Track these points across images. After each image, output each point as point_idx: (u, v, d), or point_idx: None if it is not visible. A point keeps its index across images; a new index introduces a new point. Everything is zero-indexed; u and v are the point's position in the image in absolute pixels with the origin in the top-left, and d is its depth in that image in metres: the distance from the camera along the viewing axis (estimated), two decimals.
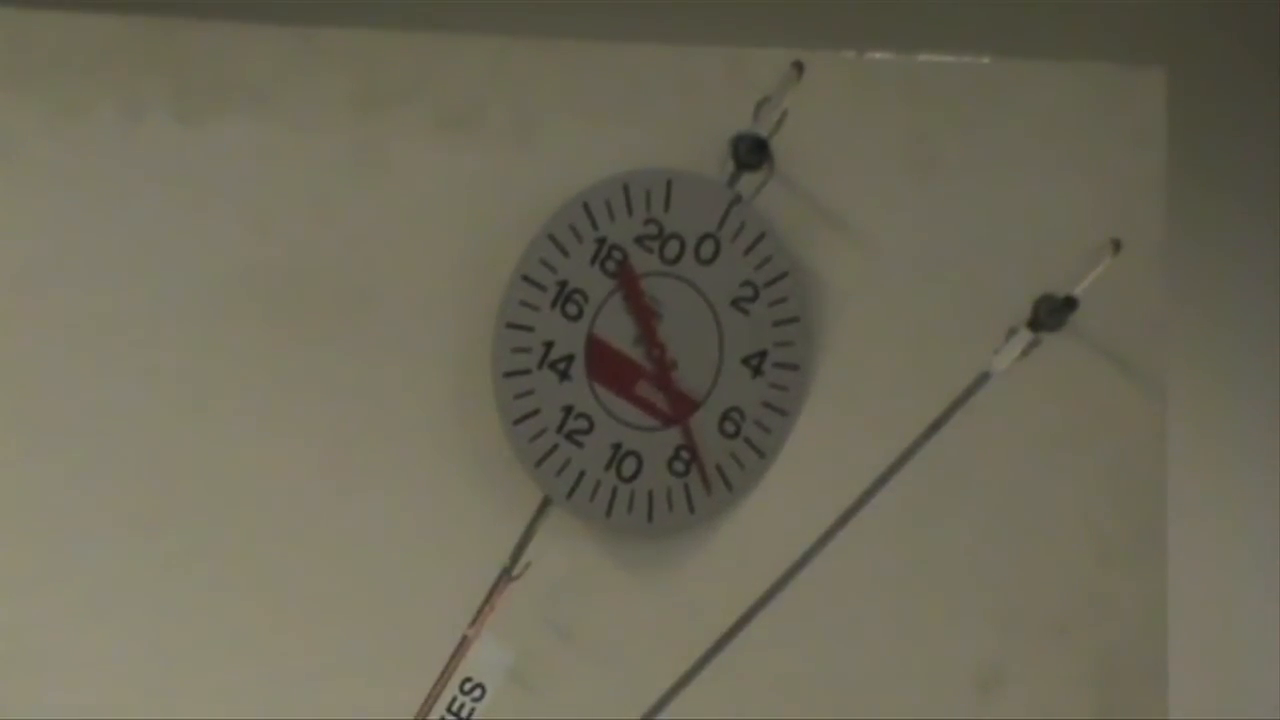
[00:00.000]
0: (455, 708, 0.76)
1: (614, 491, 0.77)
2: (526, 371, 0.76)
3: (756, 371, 0.77)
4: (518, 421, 0.76)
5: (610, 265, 0.76)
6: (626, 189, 0.76)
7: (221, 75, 0.77)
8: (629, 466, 0.76)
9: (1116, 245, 0.78)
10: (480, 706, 0.76)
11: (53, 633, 0.75)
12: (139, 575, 0.76)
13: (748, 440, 0.78)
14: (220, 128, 0.77)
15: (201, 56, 0.76)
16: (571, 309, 0.76)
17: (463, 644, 0.75)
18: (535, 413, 0.76)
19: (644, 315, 0.77)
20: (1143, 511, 0.83)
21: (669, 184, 0.77)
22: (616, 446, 0.76)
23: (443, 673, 0.76)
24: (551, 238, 0.76)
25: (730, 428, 0.77)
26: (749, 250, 0.77)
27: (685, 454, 0.77)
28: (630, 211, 0.76)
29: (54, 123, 0.76)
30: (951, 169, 0.81)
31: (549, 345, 0.76)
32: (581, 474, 0.76)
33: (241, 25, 0.76)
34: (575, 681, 0.78)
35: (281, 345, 0.77)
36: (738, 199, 0.77)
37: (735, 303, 0.77)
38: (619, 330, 0.77)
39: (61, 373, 0.76)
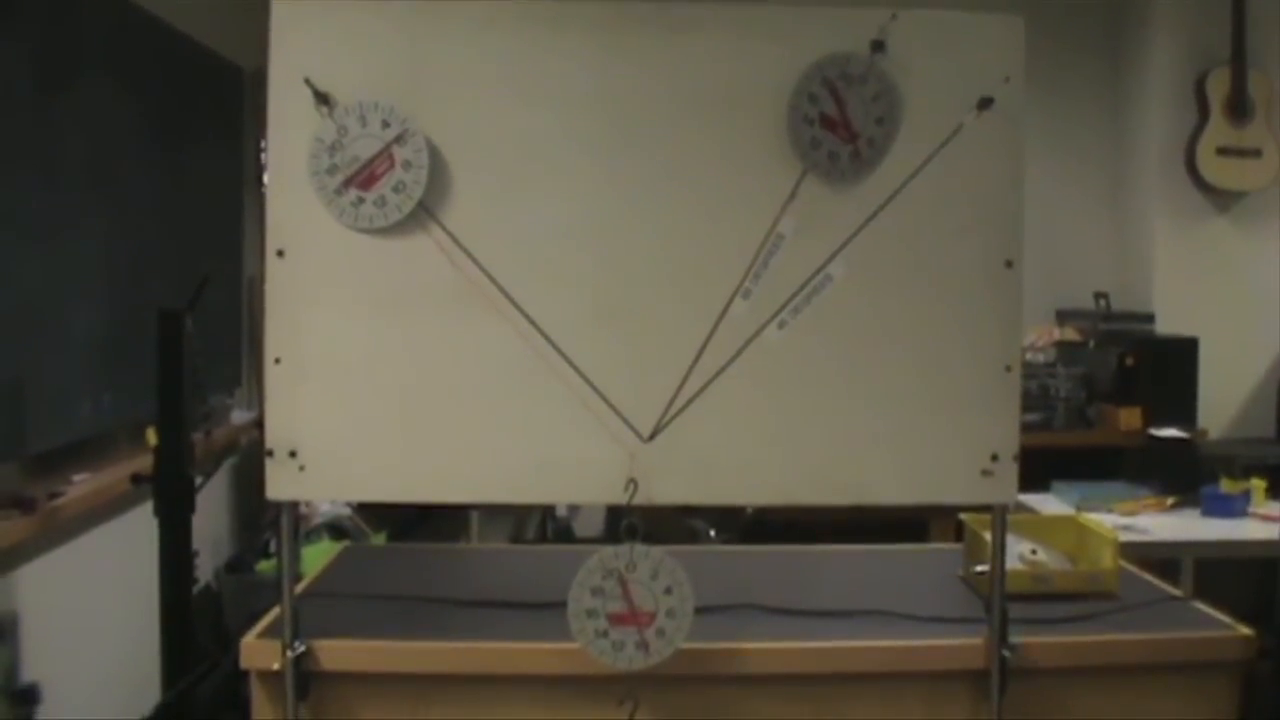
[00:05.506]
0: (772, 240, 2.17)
1: (830, 159, 2.17)
2: (798, 125, 2.15)
3: (880, 122, 2.17)
4: (795, 144, 2.16)
5: (827, 83, 2.16)
6: (833, 60, 2.15)
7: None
8: (835, 155, 2.16)
9: (1007, 78, 2.17)
10: (781, 248, 2.16)
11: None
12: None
13: (873, 142, 2.18)
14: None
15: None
16: (814, 102, 2.16)
17: (773, 227, 2.16)
18: (801, 138, 2.16)
19: (841, 103, 2.16)
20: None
21: (849, 58, 2.15)
22: (831, 149, 2.16)
23: (769, 232, 2.16)
24: (806, 76, 2.15)
25: (869, 141, 2.17)
26: (879, 81, 2.16)
27: (855, 150, 2.16)
28: (834, 67, 2.15)
29: None
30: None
31: (807, 114, 2.15)
32: (818, 160, 2.16)
33: None
34: (804, 240, 2.19)
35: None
36: (874, 63, 2.16)
37: (873, 99, 2.16)
38: (831, 110, 2.16)
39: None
